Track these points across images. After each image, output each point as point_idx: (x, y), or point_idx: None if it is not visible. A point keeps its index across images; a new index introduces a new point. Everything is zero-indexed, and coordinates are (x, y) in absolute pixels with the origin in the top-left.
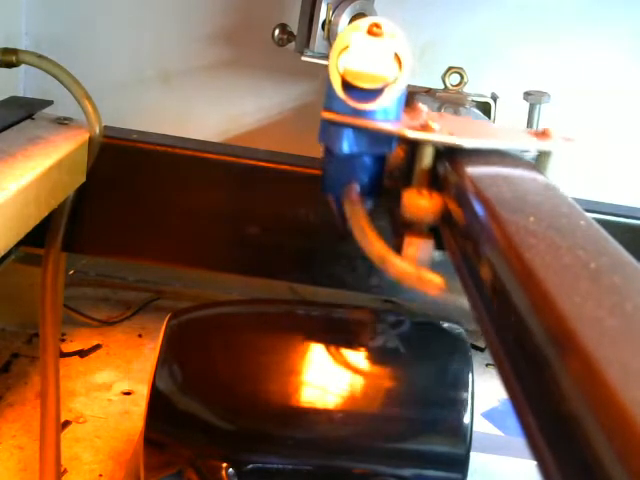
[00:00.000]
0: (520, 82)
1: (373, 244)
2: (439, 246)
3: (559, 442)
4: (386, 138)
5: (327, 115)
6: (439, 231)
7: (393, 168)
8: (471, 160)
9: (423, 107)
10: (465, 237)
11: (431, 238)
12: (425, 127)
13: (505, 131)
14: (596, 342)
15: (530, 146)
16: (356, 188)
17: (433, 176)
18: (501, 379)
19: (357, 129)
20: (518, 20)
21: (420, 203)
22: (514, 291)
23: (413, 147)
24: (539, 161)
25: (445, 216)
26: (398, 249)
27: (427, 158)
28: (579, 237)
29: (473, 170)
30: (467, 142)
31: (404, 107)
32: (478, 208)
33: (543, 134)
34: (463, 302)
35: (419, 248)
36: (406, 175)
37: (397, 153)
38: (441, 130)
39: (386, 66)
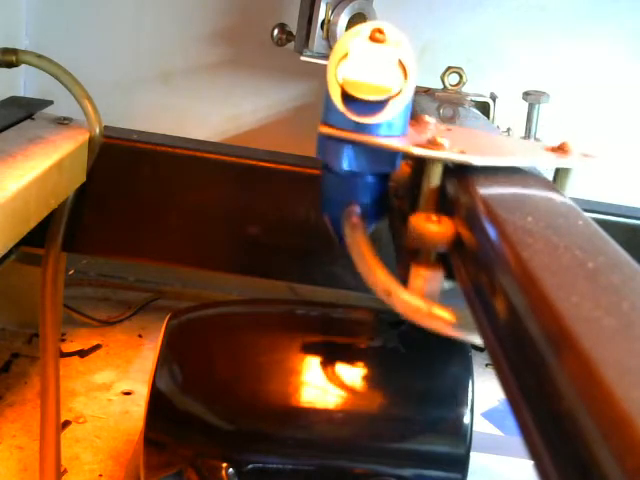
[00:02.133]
0: (520, 82)
1: (377, 275)
2: (448, 275)
3: (556, 441)
4: (390, 155)
5: (325, 130)
6: (448, 259)
7: (398, 185)
8: (483, 178)
9: (430, 119)
10: (477, 265)
11: (440, 268)
12: (433, 143)
13: (520, 145)
14: (593, 341)
15: (548, 164)
16: (357, 210)
17: (442, 197)
18: (498, 378)
19: (358, 145)
20: (518, 20)
21: (429, 229)
22: (512, 292)
23: (420, 164)
24: (557, 179)
25: (456, 243)
26: (403, 278)
27: (435, 177)
28: (577, 237)
29: (486, 190)
30: (480, 160)
31: (410, 120)
32: (491, 232)
33: (560, 149)
34: (475, 339)
35: (427, 279)
36: (412, 194)
37: (402, 169)
38: (451, 146)
39: (390, 75)
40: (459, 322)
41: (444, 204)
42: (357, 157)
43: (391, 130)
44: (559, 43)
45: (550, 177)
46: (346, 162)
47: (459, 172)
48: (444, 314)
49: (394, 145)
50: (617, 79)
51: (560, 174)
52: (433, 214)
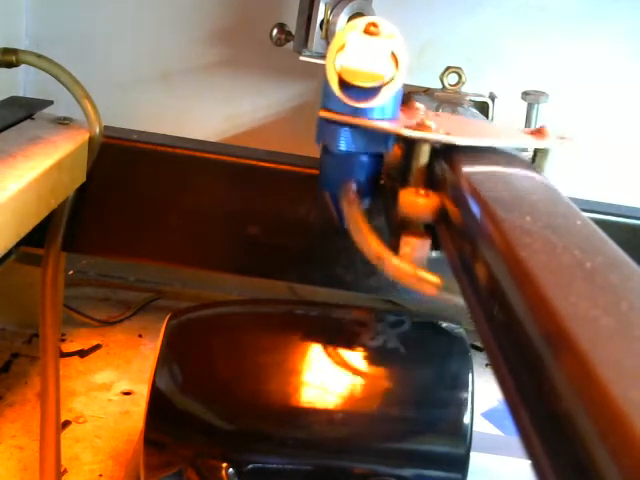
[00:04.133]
0: (519, 82)
1: (370, 243)
2: (436, 245)
3: (553, 441)
4: (383, 137)
5: (324, 114)
6: (436, 230)
7: (390, 167)
8: (468, 159)
9: (420, 106)
10: (461, 236)
11: (428, 237)
12: (421, 126)
13: (502, 130)
14: (591, 341)
15: (526, 144)
16: (353, 187)
17: (430, 175)
18: (496, 378)
19: (354, 128)
20: (518, 20)
21: (417, 202)
22: (509, 290)
23: (410, 146)
24: (536, 160)
25: (442, 215)
26: (395, 248)
27: (423, 157)
28: (575, 236)
29: (470, 169)
30: (463, 140)
31: (401, 106)
32: (474, 207)
33: (539, 132)
34: (460, 301)
35: (415, 247)
36: (403, 174)
37: (394, 152)
38: (437, 129)
39: (383, 65)
40: (445, 285)
41: (432, 182)
42: (353, 138)
43: (384, 114)
44: (559, 43)
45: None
46: (343, 143)
47: (445, 152)
48: (430, 277)
49: (386, 127)
50: (617, 79)
51: (538, 155)
52: (421, 188)
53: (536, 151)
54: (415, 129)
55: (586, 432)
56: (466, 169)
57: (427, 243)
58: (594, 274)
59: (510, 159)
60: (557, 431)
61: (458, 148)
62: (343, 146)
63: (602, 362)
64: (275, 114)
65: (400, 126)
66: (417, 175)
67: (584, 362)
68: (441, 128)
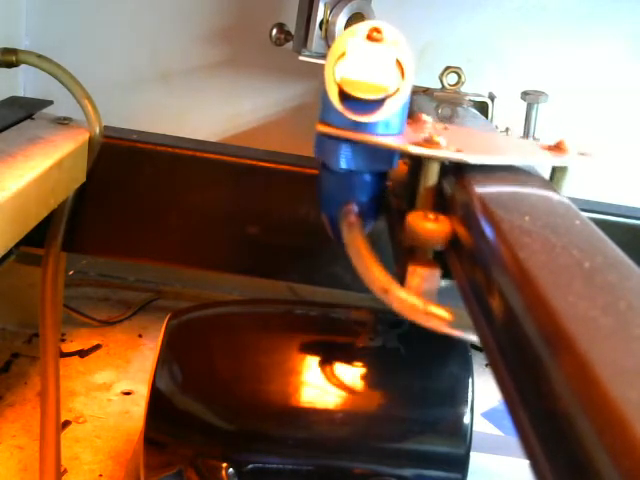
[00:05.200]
0: (519, 82)
1: (374, 274)
2: (444, 272)
3: (552, 441)
4: (387, 153)
5: (322, 128)
6: (445, 257)
7: (395, 184)
8: (480, 177)
9: (427, 118)
10: (473, 263)
11: (437, 266)
12: (430, 142)
13: (516, 144)
14: (589, 341)
15: (544, 162)
16: (354, 208)
17: (439, 194)
18: (495, 378)
19: (355, 144)
20: (518, 20)
21: (426, 227)
22: (508, 289)
23: (417, 162)
24: (554, 177)
25: (452, 240)
26: (400, 277)
27: (432, 176)
28: (575, 236)
29: (483, 189)
30: (476, 158)
31: (407, 119)
32: (488, 230)
33: (557, 148)
34: (472, 337)
35: (424, 278)
36: (409, 192)
37: (400, 168)
38: (447, 145)
39: (387, 74)
40: (456, 320)
41: (441, 202)
42: (355, 155)
43: (388, 129)
44: (559, 43)
45: (547, 175)
46: (344, 160)
47: (456, 170)
48: (441, 312)
49: (391, 143)
50: (617, 79)
51: (557, 172)
52: (430, 212)
53: (554, 167)
54: (423, 146)
55: (584, 432)
56: (479, 189)
57: (437, 272)
58: (593, 274)
59: (526, 176)
60: (556, 431)
61: (470, 165)
62: (343, 164)
63: (600, 362)
64: (275, 114)
65: (406, 142)
66: (425, 196)
67: (583, 362)
68: (451, 144)
